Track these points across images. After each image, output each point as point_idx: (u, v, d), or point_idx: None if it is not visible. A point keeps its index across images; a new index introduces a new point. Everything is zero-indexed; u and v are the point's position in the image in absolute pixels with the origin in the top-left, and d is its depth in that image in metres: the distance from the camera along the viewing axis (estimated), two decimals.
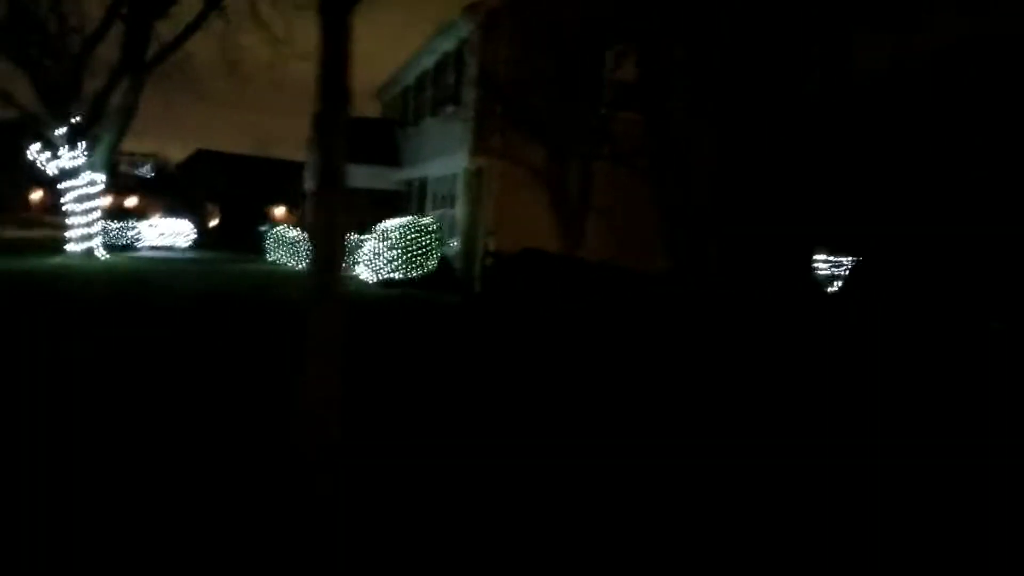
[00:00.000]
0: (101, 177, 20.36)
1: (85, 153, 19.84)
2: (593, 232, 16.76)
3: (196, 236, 28.69)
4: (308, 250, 21.48)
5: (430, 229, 17.05)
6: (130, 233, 26.44)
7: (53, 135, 19.66)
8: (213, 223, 51.11)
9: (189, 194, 55.35)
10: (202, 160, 58.27)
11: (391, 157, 24.30)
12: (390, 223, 17.23)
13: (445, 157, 18.83)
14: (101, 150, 20.36)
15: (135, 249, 25.76)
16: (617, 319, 12.38)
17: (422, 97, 21.78)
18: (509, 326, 12.51)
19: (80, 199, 19.98)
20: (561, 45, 16.08)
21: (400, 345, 9.92)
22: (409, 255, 16.71)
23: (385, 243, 16.78)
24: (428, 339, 10.70)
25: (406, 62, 23.52)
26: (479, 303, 15.57)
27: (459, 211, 18.02)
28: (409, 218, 17.42)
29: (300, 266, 20.84)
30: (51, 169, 20.03)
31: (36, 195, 57.61)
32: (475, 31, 17.10)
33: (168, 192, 54.87)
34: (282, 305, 13.01)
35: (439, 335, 11.13)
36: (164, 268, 19.15)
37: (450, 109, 19.00)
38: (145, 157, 57.38)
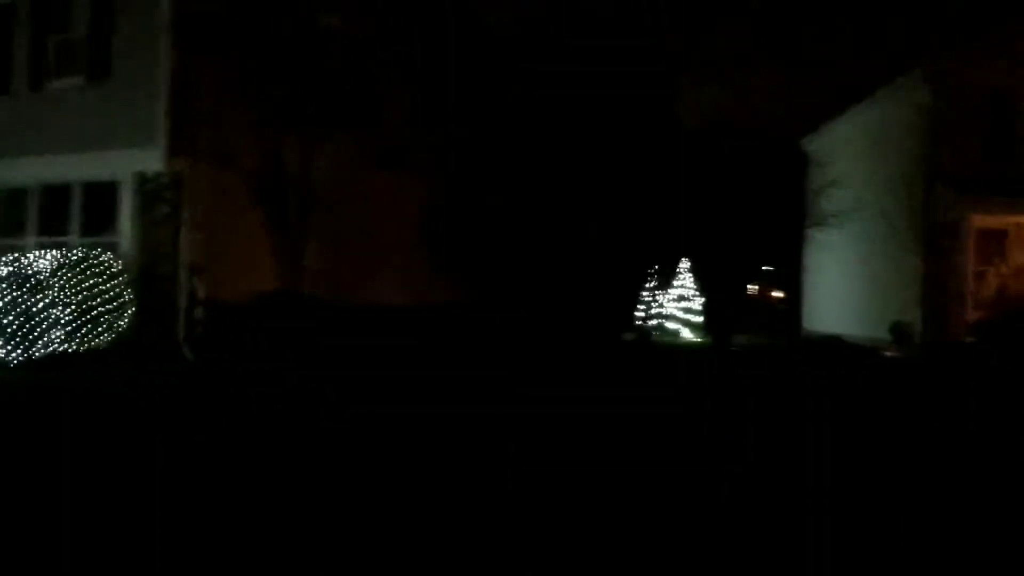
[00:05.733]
0: None
1: None
2: (317, 260, 13.08)
3: None
4: None
5: (106, 268, 10.95)
6: None
7: None
8: None
9: None
10: None
11: None
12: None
13: (85, 154, 12.35)
14: None
15: None
16: None
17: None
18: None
19: None
20: None
21: None
22: (80, 313, 10.42)
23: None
24: None
25: None
26: (238, 381, 10.08)
27: (124, 241, 11.99)
28: (73, 251, 10.87)
29: None
30: None
31: None
32: None
33: None
34: None
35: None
36: None
37: (76, 80, 12.47)
38: None
